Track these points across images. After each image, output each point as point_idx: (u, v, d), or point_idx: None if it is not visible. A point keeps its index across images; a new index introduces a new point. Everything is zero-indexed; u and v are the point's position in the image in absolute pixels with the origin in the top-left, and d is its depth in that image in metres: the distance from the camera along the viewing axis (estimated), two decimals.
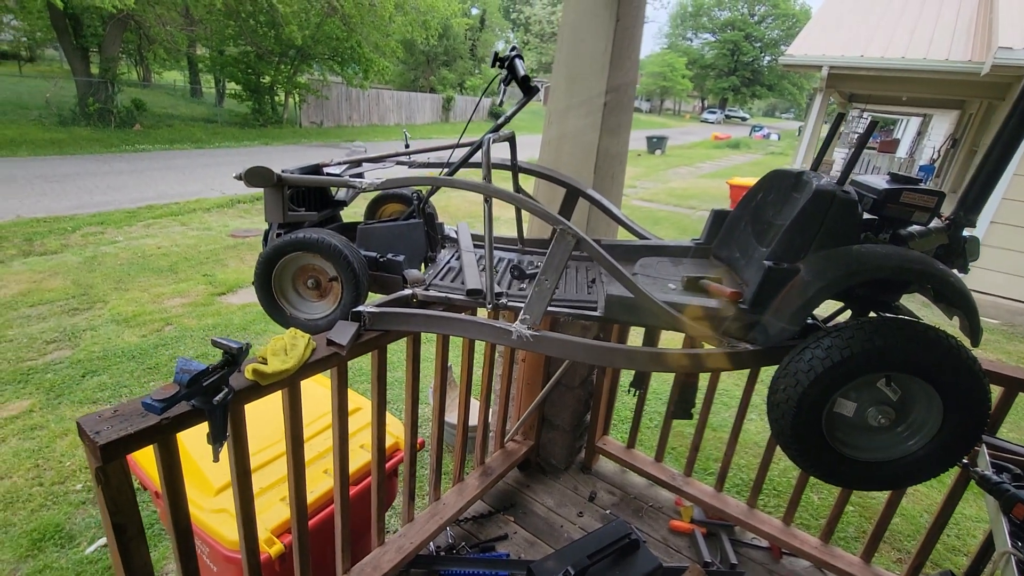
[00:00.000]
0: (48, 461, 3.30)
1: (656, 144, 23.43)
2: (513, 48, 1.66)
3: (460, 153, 1.82)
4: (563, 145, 2.34)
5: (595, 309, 1.63)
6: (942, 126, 15.98)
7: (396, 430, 2.17)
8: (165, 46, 17.02)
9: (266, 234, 1.76)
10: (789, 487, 3.31)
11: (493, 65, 1.61)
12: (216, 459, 1.20)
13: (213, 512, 1.84)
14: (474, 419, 2.72)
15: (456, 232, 2.16)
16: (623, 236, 2.24)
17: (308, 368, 1.34)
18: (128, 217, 8.18)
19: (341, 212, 2.00)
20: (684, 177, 17.80)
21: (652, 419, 3.96)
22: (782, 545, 2.36)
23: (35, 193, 9.00)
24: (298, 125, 20.64)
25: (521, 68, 1.47)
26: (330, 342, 1.43)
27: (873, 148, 21.84)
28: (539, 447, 2.83)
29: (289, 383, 1.35)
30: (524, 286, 1.79)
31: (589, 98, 2.22)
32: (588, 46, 2.16)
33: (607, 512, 2.59)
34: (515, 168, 1.94)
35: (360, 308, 1.52)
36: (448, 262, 1.94)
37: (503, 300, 1.61)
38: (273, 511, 1.85)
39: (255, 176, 1.51)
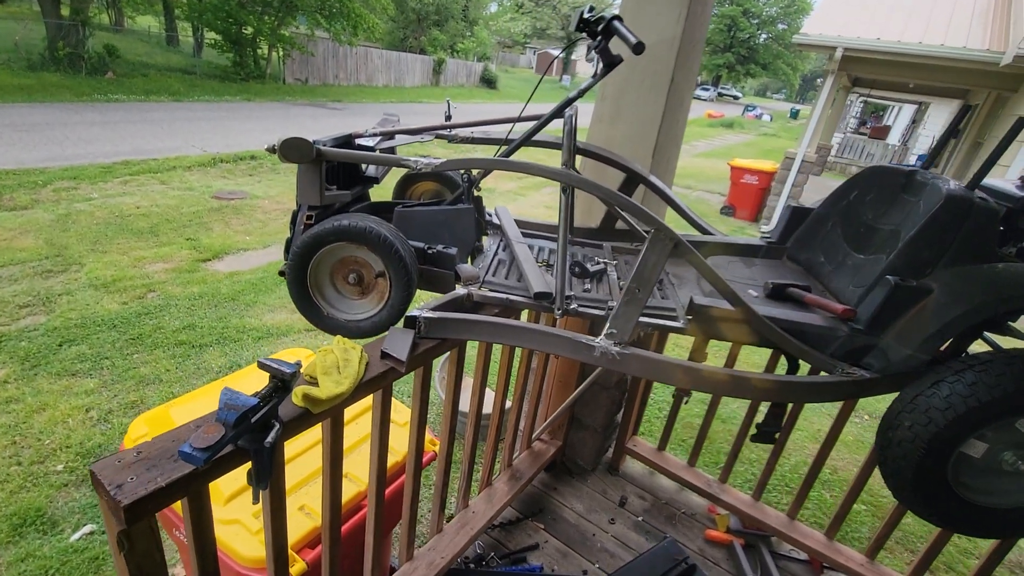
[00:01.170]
0: (26, 438, 3.06)
1: None
2: (592, 9, 1.41)
3: (496, 128, 1.57)
4: (618, 122, 2.10)
5: (674, 318, 1.43)
6: (940, 115, 15.89)
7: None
8: None
9: (294, 216, 1.51)
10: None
11: (577, 29, 1.35)
12: (256, 501, 0.98)
13: (224, 523, 1.63)
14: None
15: (496, 216, 1.92)
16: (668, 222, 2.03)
17: (359, 390, 1.10)
18: (103, 172, 7.67)
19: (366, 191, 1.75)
20: (680, 155, 17.54)
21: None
22: (824, 560, 2.24)
23: (3, 143, 8.38)
24: (282, 81, 19.67)
25: (630, 35, 1.21)
26: (385, 355, 1.19)
27: (863, 134, 21.76)
28: (566, 447, 2.66)
29: (334, 410, 1.12)
30: (588, 286, 1.57)
31: (654, 62, 1.94)
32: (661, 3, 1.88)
33: (639, 519, 2.44)
34: (574, 148, 1.71)
35: (415, 312, 1.29)
36: (496, 254, 1.70)
37: (573, 306, 1.39)
38: (292, 523, 1.64)
39: (291, 149, 1.26)
